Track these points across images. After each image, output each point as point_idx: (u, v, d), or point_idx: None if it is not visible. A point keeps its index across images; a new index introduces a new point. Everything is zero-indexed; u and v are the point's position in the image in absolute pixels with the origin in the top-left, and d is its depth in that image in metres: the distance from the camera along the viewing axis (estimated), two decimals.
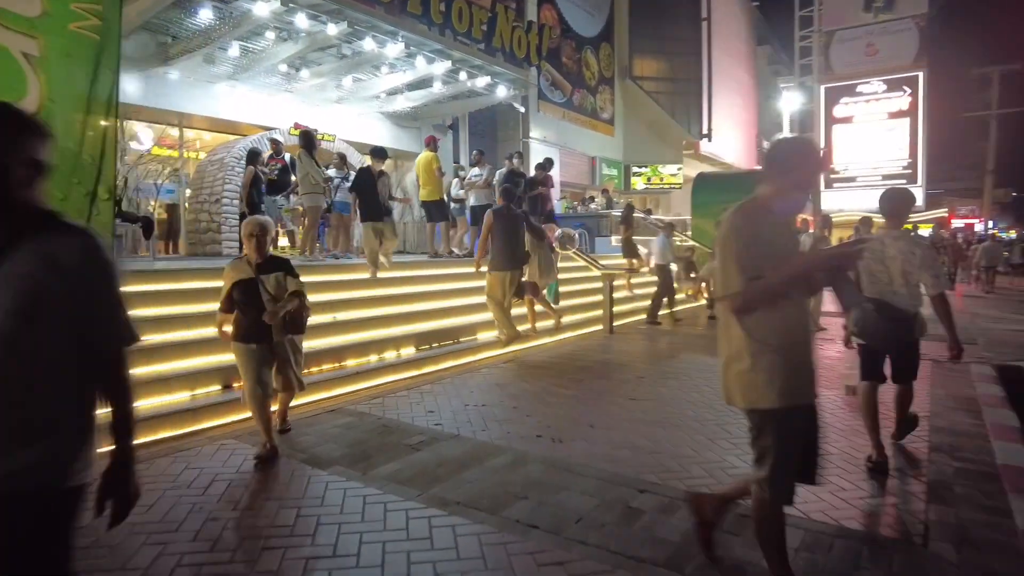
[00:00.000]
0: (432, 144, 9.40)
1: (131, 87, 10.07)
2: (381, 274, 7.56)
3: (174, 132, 11.64)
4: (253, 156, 8.66)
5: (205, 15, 8.57)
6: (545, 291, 7.80)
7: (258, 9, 8.28)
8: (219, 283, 3.95)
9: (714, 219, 11.62)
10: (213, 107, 11.22)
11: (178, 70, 10.43)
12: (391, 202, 8.95)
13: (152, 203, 10.65)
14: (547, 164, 11.02)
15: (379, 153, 8.64)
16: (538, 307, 7.47)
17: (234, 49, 10.22)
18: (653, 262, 10.37)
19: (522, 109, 18.06)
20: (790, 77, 29.52)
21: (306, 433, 4.28)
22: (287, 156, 9.59)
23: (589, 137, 21.92)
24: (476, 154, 10.21)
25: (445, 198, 9.85)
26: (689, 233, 14.79)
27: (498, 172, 10.97)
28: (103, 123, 4.35)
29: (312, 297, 4.33)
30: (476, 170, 9.94)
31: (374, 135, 14.42)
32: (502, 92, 13.17)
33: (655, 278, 10.17)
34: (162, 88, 10.43)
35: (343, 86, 12.35)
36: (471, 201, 9.92)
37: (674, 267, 10.88)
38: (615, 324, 8.90)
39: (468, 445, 4.06)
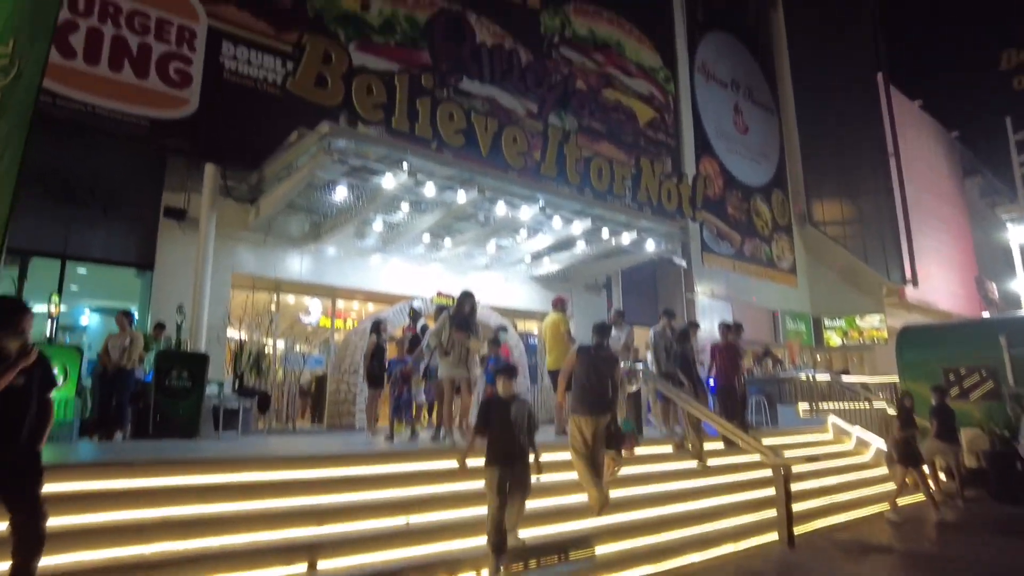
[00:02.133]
0: (560, 305, 8.49)
1: (293, 265, 10.76)
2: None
3: (339, 304, 12.17)
4: (376, 326, 8.38)
5: (342, 192, 8.88)
6: None
7: (386, 183, 8.39)
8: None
9: (929, 381, 8.96)
10: (364, 279, 11.58)
11: (333, 246, 11.00)
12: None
13: (296, 373, 10.83)
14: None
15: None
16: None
17: (378, 223, 10.60)
18: None
19: (682, 263, 16.88)
20: (1012, 206, 25.25)
21: None
22: (421, 324, 9.24)
23: (767, 289, 19.84)
24: (613, 314, 9.10)
25: None
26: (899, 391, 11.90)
27: (652, 331, 9.73)
28: None
29: None
30: (613, 332, 8.75)
31: (523, 299, 14.05)
32: (651, 247, 12.18)
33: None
34: (320, 264, 11.01)
35: (487, 252, 12.26)
36: None
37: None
38: (797, 531, 6.62)
39: None
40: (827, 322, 21.42)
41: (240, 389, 8.13)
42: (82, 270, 9.26)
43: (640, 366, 8.96)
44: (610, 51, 15.75)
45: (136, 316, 8.32)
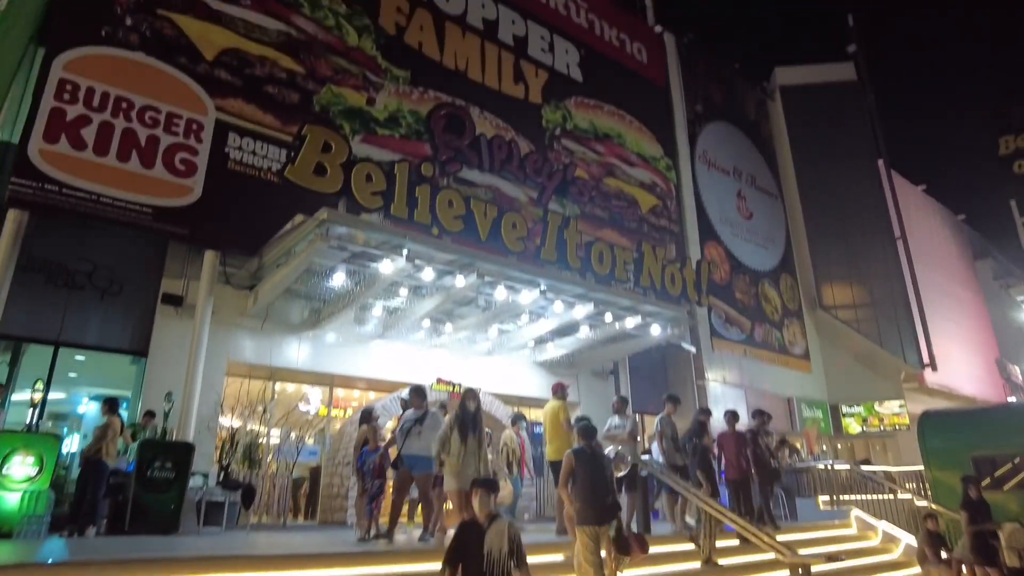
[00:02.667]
0: (560, 391, 8.18)
1: (290, 352, 10.59)
2: None
3: (339, 392, 11.89)
4: (366, 416, 8.07)
5: (340, 278, 8.84)
6: None
7: (384, 268, 8.35)
8: None
9: (957, 469, 8.40)
10: (364, 366, 11.35)
11: (332, 332, 10.86)
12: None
13: (289, 465, 10.41)
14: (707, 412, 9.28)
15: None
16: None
17: (377, 308, 10.51)
18: None
19: (691, 348, 16.55)
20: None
21: None
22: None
23: (781, 375, 19.30)
24: (616, 401, 8.72)
25: None
26: (928, 493, 11.19)
27: (657, 420, 9.33)
28: None
29: None
30: (616, 419, 8.37)
31: (528, 385, 13.70)
32: (657, 331, 11.96)
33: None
34: (318, 350, 10.82)
35: (489, 337, 12.08)
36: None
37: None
38: None
39: None
40: (845, 409, 20.68)
41: (225, 481, 7.76)
42: (80, 357, 9.14)
43: (646, 457, 8.51)
44: (611, 142, 16.15)
45: (128, 404, 8.12)
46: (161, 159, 9.03)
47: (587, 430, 5.53)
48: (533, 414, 14.35)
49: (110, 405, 7.23)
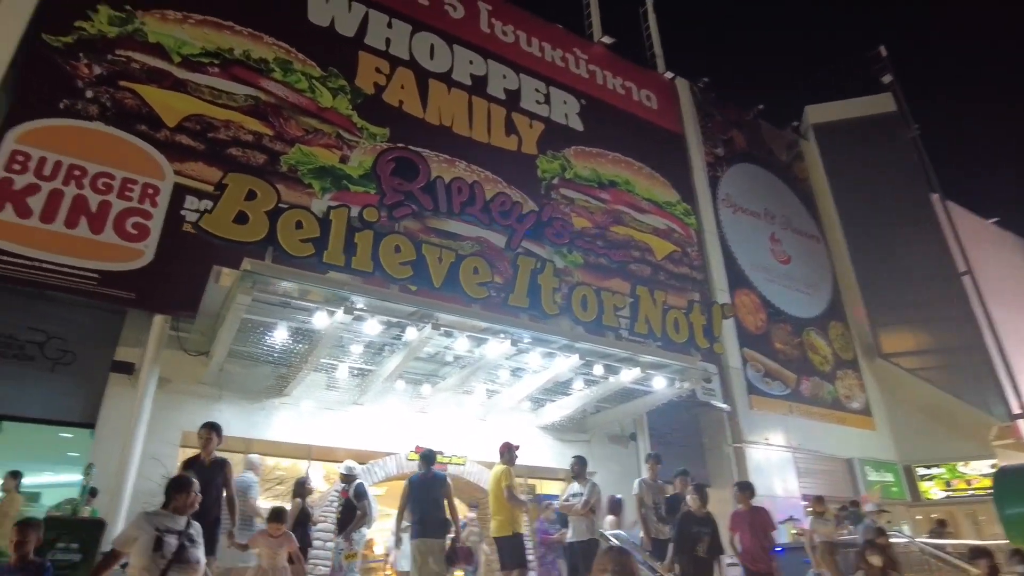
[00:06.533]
0: (507, 453, 7.04)
1: (258, 422, 9.92)
2: None
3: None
4: (299, 487, 7.21)
5: (281, 335, 8.23)
6: None
7: (318, 321, 7.68)
8: None
9: None
10: (341, 435, 10.54)
11: (307, 399, 10.20)
12: None
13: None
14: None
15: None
16: None
17: (342, 370, 9.81)
18: None
19: (725, 408, 14.93)
20: None
21: None
22: (355, 487, 7.99)
23: (837, 434, 17.14)
24: (574, 463, 7.46)
25: (524, 532, 6.95)
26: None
27: (636, 482, 8.01)
28: None
29: None
30: (575, 486, 7.10)
31: (535, 454, 12.39)
32: (662, 384, 10.64)
33: None
34: (292, 419, 10.13)
35: (478, 400, 11.11)
36: (569, 535, 6.90)
37: None
38: None
39: None
40: (921, 471, 18.06)
41: None
42: (15, 430, 8.75)
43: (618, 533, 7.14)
44: (617, 189, 15.37)
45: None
46: (112, 224, 8.88)
47: (427, 456, 4.51)
48: (547, 487, 13.05)
49: (13, 478, 6.69)
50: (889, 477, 17.67)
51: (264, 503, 9.02)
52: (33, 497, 10.19)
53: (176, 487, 4.34)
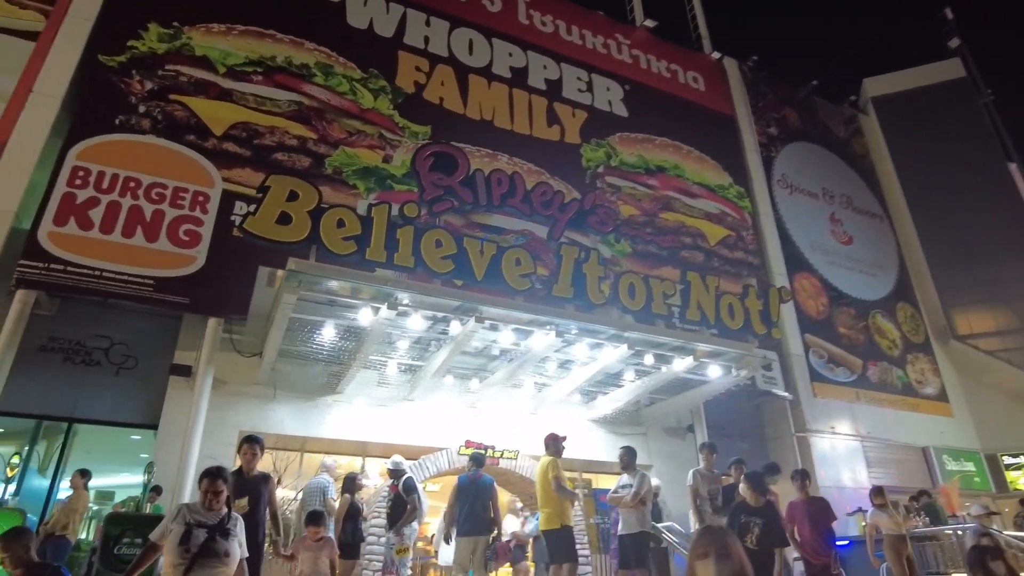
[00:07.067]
0: (552, 444, 6.91)
1: (313, 420, 10.12)
2: None
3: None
4: (349, 483, 7.26)
5: (329, 333, 8.34)
6: None
7: (363, 318, 7.74)
8: None
9: None
10: (394, 431, 10.64)
11: (360, 396, 10.35)
12: None
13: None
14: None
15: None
16: None
17: (391, 367, 9.89)
18: None
19: (787, 396, 14.33)
20: None
21: None
22: (404, 481, 8.00)
23: (910, 421, 16.21)
24: (623, 453, 7.24)
25: (572, 525, 6.74)
26: None
27: (691, 472, 7.74)
28: None
29: None
30: (624, 477, 6.90)
31: (590, 448, 12.18)
32: (718, 373, 10.28)
33: None
34: (346, 417, 10.29)
35: (528, 393, 11.00)
36: (620, 527, 6.71)
37: None
38: None
39: None
40: (1008, 460, 16.89)
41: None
42: (91, 433, 9.22)
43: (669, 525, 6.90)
44: (665, 175, 14.97)
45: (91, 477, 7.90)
46: (165, 232, 9.20)
47: (477, 459, 4.41)
48: (601, 481, 12.81)
49: (83, 477, 6.99)
50: (970, 466, 16.59)
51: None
52: (108, 496, 10.66)
53: (202, 476, 4.33)
